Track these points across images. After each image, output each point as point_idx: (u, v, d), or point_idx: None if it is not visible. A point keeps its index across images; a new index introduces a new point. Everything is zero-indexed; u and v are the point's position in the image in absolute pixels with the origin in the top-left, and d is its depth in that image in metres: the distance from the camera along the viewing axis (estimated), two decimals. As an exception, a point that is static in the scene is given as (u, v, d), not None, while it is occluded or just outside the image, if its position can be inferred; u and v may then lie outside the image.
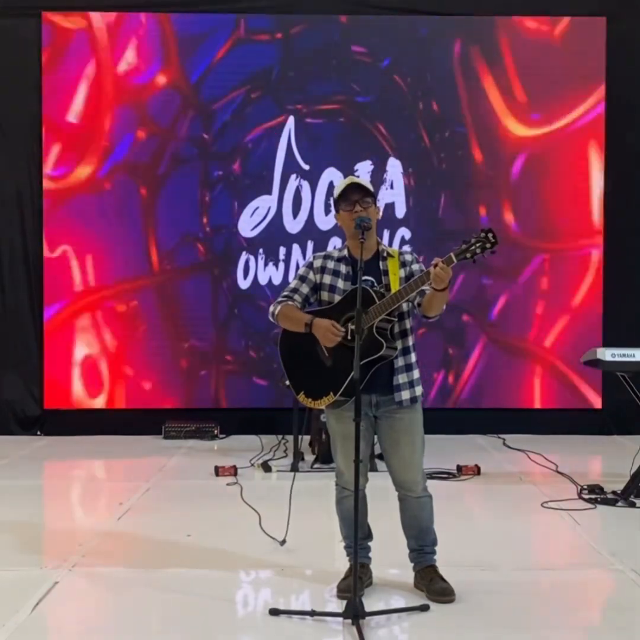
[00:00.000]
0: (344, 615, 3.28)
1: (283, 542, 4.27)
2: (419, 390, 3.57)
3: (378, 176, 7.57)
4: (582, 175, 7.66)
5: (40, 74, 7.56)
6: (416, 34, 7.67)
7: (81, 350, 7.63)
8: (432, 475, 5.65)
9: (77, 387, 7.62)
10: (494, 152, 7.67)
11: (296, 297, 3.64)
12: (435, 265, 3.26)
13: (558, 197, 7.65)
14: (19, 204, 7.64)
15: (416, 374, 3.57)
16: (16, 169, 7.62)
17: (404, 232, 7.62)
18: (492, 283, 7.67)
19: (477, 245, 3.30)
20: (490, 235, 3.30)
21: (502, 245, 3.43)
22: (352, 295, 3.47)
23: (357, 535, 3.31)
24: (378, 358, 3.42)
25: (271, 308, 3.66)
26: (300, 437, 6.20)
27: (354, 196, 3.52)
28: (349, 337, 3.44)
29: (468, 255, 3.31)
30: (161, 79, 7.64)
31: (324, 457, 6.07)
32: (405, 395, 3.51)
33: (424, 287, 3.38)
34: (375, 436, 3.70)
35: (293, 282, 3.70)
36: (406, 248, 7.40)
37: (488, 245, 3.30)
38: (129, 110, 7.63)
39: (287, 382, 3.70)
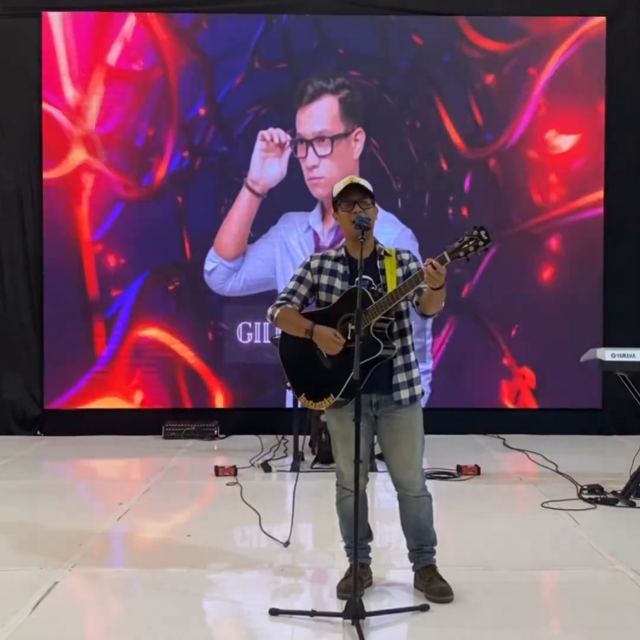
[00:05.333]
0: (344, 615, 3.28)
1: (287, 544, 4.26)
2: (418, 389, 3.56)
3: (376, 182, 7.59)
4: (583, 175, 7.67)
5: (40, 74, 7.56)
6: (410, 40, 7.68)
7: (81, 350, 7.63)
8: (432, 475, 5.65)
9: (77, 387, 7.62)
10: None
11: (294, 299, 3.63)
12: (429, 265, 3.25)
13: (561, 196, 7.68)
14: (19, 204, 7.65)
15: (415, 372, 3.57)
16: (16, 169, 7.62)
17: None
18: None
19: (470, 243, 3.28)
20: (482, 232, 3.28)
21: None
22: (349, 295, 3.47)
23: (357, 535, 3.30)
24: (376, 358, 3.42)
25: (269, 311, 3.65)
26: (305, 437, 6.20)
27: (353, 196, 3.51)
28: (349, 338, 3.44)
29: (461, 254, 3.28)
30: (163, 80, 7.66)
31: (324, 457, 6.07)
32: (404, 394, 3.51)
33: (423, 286, 3.37)
34: (376, 436, 3.69)
35: (290, 284, 3.68)
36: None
37: (481, 242, 3.27)
38: (124, 109, 7.64)
39: (288, 385, 3.70)
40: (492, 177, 7.68)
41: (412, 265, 3.55)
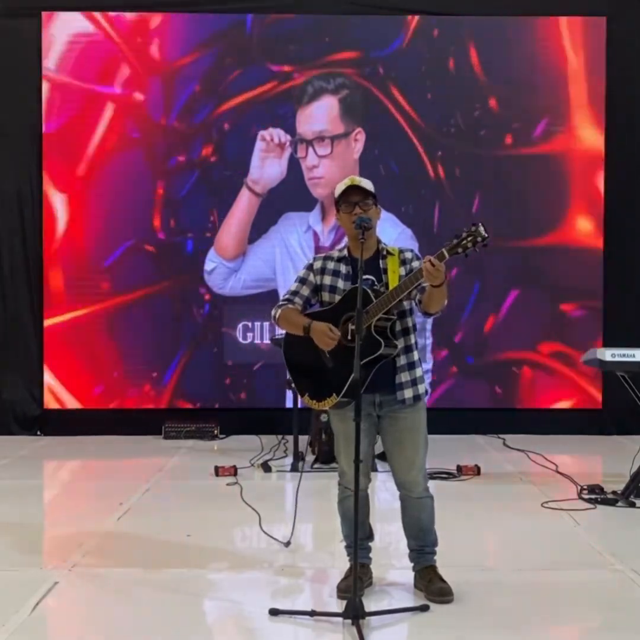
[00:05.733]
0: (344, 615, 3.27)
1: (288, 544, 4.26)
2: (422, 388, 3.56)
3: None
4: (581, 176, 7.67)
5: (40, 74, 7.56)
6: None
7: (81, 350, 7.63)
8: (432, 476, 5.64)
9: (77, 387, 7.62)
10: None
11: (297, 299, 3.64)
12: (427, 262, 3.25)
13: (562, 198, 7.68)
14: (19, 204, 7.64)
15: (419, 372, 3.56)
16: (16, 169, 7.62)
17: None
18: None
19: (468, 239, 3.28)
20: (481, 228, 3.29)
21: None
22: (350, 295, 3.47)
23: (357, 535, 3.30)
24: (378, 357, 3.42)
25: (273, 312, 3.66)
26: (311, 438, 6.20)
27: (354, 198, 3.51)
28: (349, 338, 3.44)
29: (459, 250, 3.29)
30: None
31: (324, 457, 6.07)
32: (407, 393, 3.51)
33: (423, 284, 3.37)
34: (378, 436, 3.69)
35: (293, 285, 3.69)
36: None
37: (479, 239, 3.28)
38: (122, 106, 7.65)
39: (292, 385, 3.71)
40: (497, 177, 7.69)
41: (415, 264, 3.54)
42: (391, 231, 7.42)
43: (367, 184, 3.54)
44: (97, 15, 7.52)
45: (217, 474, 5.84)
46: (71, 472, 6.45)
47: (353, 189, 3.52)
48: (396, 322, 3.50)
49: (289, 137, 7.63)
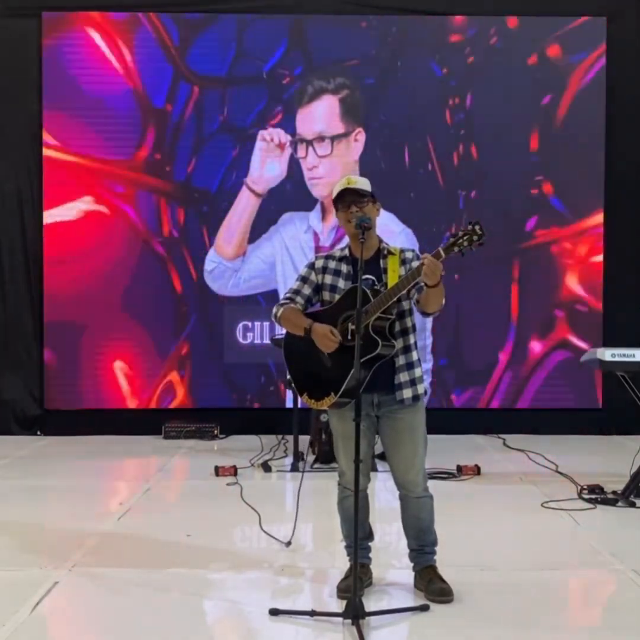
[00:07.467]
0: (344, 615, 3.28)
1: (288, 544, 4.25)
2: (421, 388, 3.56)
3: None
4: (581, 175, 7.66)
5: (40, 74, 7.56)
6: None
7: (81, 350, 7.62)
8: (432, 475, 5.63)
9: (77, 387, 7.62)
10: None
11: (298, 298, 3.64)
12: (424, 261, 3.26)
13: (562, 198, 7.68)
14: (19, 204, 7.64)
15: (418, 372, 3.56)
16: (16, 169, 7.62)
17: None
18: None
19: (465, 238, 3.30)
20: (477, 228, 3.30)
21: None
22: (348, 294, 3.47)
23: (357, 535, 3.30)
24: (376, 357, 3.42)
25: (274, 310, 3.66)
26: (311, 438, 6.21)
27: (349, 197, 3.51)
28: (349, 337, 3.44)
29: (456, 249, 3.30)
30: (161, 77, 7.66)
31: (324, 457, 6.07)
32: (406, 393, 3.51)
33: (420, 283, 3.37)
34: (377, 436, 3.69)
35: (295, 284, 3.69)
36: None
37: (475, 237, 3.29)
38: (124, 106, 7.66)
39: (292, 384, 3.71)
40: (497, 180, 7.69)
41: (415, 264, 3.53)
42: (391, 230, 7.42)
43: (363, 184, 3.54)
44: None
45: (217, 474, 5.84)
46: (71, 472, 6.44)
47: (348, 189, 3.51)
48: (395, 322, 3.50)
49: (289, 137, 7.64)
